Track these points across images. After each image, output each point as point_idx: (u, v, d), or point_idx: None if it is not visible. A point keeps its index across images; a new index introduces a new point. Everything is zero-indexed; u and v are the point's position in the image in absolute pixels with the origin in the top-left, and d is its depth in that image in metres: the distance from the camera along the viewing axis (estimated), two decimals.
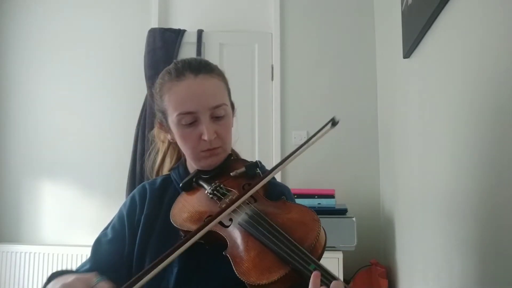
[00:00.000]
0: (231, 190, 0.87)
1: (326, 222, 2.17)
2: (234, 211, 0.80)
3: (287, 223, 0.74)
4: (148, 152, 1.13)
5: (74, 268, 0.99)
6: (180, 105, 0.89)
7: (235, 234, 0.77)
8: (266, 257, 0.69)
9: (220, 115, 0.91)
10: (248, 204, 0.81)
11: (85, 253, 2.65)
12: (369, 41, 2.82)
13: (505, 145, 0.84)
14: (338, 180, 2.67)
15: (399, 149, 2.08)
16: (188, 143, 0.92)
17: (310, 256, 0.66)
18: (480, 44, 0.99)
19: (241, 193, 0.81)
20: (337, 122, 0.84)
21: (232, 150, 1.07)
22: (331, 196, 2.32)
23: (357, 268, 2.42)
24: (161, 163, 1.10)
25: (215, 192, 0.88)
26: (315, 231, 0.71)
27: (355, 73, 2.82)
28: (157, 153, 1.10)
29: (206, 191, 0.90)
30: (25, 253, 2.76)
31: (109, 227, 1.00)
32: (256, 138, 2.82)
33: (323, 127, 0.85)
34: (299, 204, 0.81)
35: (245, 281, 0.68)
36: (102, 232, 1.00)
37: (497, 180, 0.88)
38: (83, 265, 0.98)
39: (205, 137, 0.88)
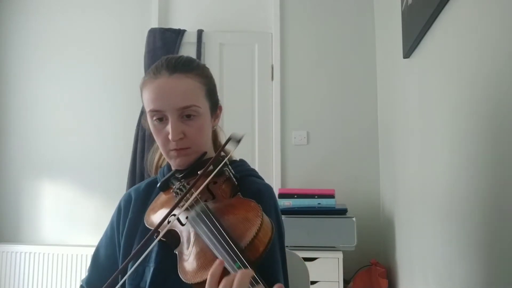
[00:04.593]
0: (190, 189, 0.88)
1: (326, 222, 2.20)
2: (188, 209, 0.80)
3: (231, 220, 0.74)
4: (151, 149, 1.14)
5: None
6: (150, 103, 0.91)
7: (187, 232, 0.78)
8: (204, 256, 0.70)
9: (191, 115, 0.90)
10: (201, 202, 0.81)
11: (85, 253, 2.65)
12: (369, 41, 2.82)
13: (504, 144, 0.84)
14: (338, 180, 2.68)
15: (399, 149, 2.08)
16: (159, 140, 0.93)
17: (239, 254, 0.65)
18: (479, 44, 0.99)
19: (193, 189, 0.82)
20: (240, 139, 0.86)
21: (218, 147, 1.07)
22: (331, 196, 2.33)
23: (357, 268, 2.42)
24: (158, 160, 1.11)
25: (178, 191, 0.89)
26: (255, 228, 0.69)
27: (355, 73, 2.82)
28: (156, 149, 1.11)
29: (172, 190, 0.92)
30: (25, 253, 2.76)
31: (104, 233, 1.05)
32: (256, 138, 2.82)
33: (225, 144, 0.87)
34: (248, 200, 0.79)
35: (184, 281, 0.69)
36: (99, 241, 1.05)
37: (497, 179, 0.88)
38: (87, 271, 1.05)
39: (170, 137, 0.89)
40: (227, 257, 0.65)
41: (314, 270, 1.74)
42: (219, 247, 0.68)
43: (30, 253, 2.76)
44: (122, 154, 2.78)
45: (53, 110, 2.95)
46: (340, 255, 2.17)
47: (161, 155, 1.10)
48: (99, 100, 2.93)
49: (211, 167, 0.87)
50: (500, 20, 0.87)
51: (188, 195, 0.82)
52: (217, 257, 0.67)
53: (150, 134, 0.98)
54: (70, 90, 2.95)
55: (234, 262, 0.64)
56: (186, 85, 0.90)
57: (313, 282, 2.10)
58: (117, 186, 2.74)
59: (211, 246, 0.69)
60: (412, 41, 1.59)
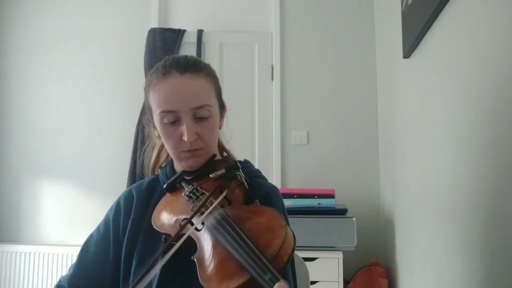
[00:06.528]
0: (204, 193, 0.86)
1: (326, 222, 2.20)
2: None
3: (253, 228, 0.73)
4: (144, 147, 1.12)
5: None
6: (162, 103, 0.89)
7: (205, 238, 0.76)
8: (228, 264, 0.69)
9: (204, 116, 0.90)
10: (219, 207, 0.80)
11: None
12: (369, 41, 2.82)
13: (504, 144, 0.84)
14: (338, 180, 2.68)
15: (399, 149, 2.08)
16: (170, 142, 0.91)
17: (268, 265, 0.64)
18: (480, 44, 0.99)
19: (212, 197, 0.81)
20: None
21: (224, 149, 1.07)
22: (331, 196, 2.32)
23: (357, 268, 2.42)
24: (156, 159, 1.09)
25: (191, 194, 0.87)
26: (280, 238, 0.69)
27: (355, 73, 2.82)
28: (152, 148, 1.10)
29: (183, 193, 0.90)
30: (25, 253, 2.76)
31: (95, 230, 1.02)
32: (256, 138, 2.82)
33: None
34: (270, 209, 0.79)
35: None
36: (89, 235, 1.02)
37: (497, 179, 0.88)
38: (69, 269, 1.00)
39: (185, 138, 0.87)
40: (256, 268, 0.64)
41: (314, 270, 1.73)
42: (246, 256, 0.66)
43: (30, 253, 2.76)
44: (122, 154, 2.78)
45: (53, 110, 2.95)
46: (340, 255, 2.17)
47: (158, 155, 1.09)
48: (99, 100, 2.93)
49: (223, 170, 0.88)
50: (500, 20, 0.87)
51: (203, 199, 0.82)
52: (243, 266, 0.66)
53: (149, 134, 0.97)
54: (70, 90, 2.95)
55: (265, 273, 0.63)
56: (199, 85, 0.90)
57: (313, 282, 2.10)
58: (117, 186, 2.73)
59: (236, 255, 0.68)
60: (412, 41, 1.59)
